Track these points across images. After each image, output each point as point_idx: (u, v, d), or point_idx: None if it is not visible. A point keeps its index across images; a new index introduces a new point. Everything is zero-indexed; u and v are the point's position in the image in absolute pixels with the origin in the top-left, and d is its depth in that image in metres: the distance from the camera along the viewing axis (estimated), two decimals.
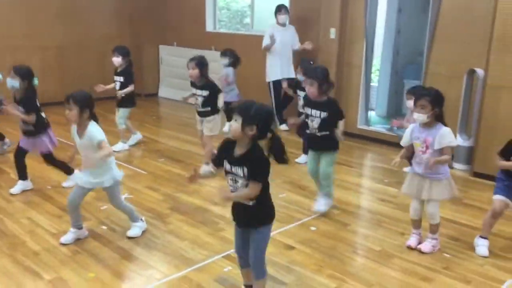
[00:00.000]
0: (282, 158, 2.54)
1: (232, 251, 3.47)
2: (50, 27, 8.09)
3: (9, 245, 3.55)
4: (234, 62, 6.55)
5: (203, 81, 4.95)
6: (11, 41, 7.66)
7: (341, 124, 4.01)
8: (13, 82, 4.30)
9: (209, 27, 8.59)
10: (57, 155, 4.68)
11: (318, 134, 4.01)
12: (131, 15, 8.95)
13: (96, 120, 3.50)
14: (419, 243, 3.63)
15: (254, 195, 2.52)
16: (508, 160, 3.44)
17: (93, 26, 8.53)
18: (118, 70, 5.86)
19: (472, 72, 5.37)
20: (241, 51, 7.95)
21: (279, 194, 4.43)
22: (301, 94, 5.41)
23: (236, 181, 2.56)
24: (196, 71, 4.88)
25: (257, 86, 7.77)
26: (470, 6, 5.41)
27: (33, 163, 4.76)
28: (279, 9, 6.82)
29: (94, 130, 3.43)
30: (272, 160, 2.55)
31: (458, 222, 4.12)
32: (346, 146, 6.32)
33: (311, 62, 5.77)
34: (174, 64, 9.02)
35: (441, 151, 3.33)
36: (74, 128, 3.51)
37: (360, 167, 5.80)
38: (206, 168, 2.73)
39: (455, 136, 5.41)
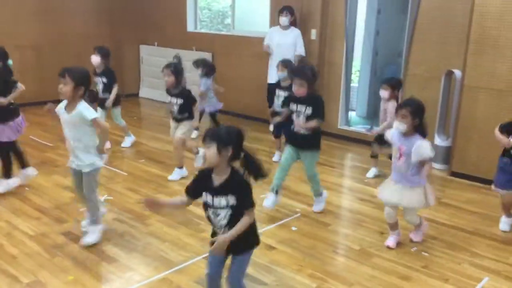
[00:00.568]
0: (260, 174, 2.46)
1: None
2: (28, 26, 7.95)
3: None
4: (208, 71, 6.37)
5: (179, 89, 4.86)
6: None
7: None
8: None
9: (190, 27, 8.55)
10: (32, 154, 4.60)
11: (301, 133, 4.00)
12: (111, 14, 8.86)
13: (96, 99, 3.38)
14: (398, 242, 3.69)
15: (248, 225, 2.42)
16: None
17: (71, 25, 8.40)
18: (98, 71, 5.80)
19: (450, 73, 5.45)
20: (222, 51, 7.99)
21: (260, 195, 4.44)
22: (280, 94, 5.42)
23: (217, 215, 2.44)
24: (172, 78, 4.79)
25: (238, 87, 7.79)
26: (448, 7, 5.50)
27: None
28: (281, 10, 6.38)
29: (85, 106, 3.29)
30: None
31: (436, 221, 4.17)
32: (327, 147, 6.37)
33: (292, 62, 5.77)
34: (155, 64, 8.94)
35: (419, 163, 3.36)
36: (62, 104, 3.36)
37: (341, 167, 5.85)
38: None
39: (433, 136, 5.52)
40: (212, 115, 6.53)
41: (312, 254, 3.55)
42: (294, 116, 4.04)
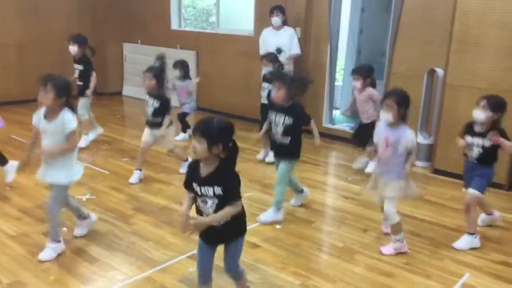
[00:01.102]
0: (234, 164, 2.49)
1: (197, 251, 3.45)
2: (10, 24, 7.84)
3: None
4: (186, 73, 6.31)
5: (159, 92, 4.80)
6: None
7: (313, 127, 4.03)
8: None
9: (174, 25, 8.50)
10: (14, 153, 4.54)
11: (281, 140, 3.96)
12: (94, 12, 8.77)
13: (72, 109, 3.22)
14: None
15: (230, 215, 2.45)
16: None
17: (53, 23, 8.29)
18: (77, 58, 5.76)
19: (432, 72, 5.50)
20: (207, 50, 7.96)
21: (244, 193, 4.41)
22: (265, 85, 5.42)
23: (206, 202, 2.48)
24: (153, 82, 4.74)
25: (222, 85, 7.77)
26: (431, 6, 5.55)
27: None
28: (271, 10, 6.23)
29: (70, 117, 3.17)
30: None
31: (419, 218, 4.21)
32: (312, 145, 6.37)
33: (278, 52, 5.73)
34: (138, 62, 8.87)
35: (406, 154, 3.37)
36: (40, 112, 3.22)
37: (325, 165, 5.87)
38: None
39: (416, 134, 5.57)
40: (184, 116, 6.45)
41: (296, 252, 3.56)
42: (272, 127, 4.00)
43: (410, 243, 3.74)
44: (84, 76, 5.73)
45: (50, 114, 3.19)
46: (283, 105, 3.88)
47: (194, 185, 2.51)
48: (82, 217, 3.63)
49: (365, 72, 4.90)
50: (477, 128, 3.66)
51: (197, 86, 6.82)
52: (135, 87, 9.11)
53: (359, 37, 7.52)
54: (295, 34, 6.32)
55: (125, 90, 9.32)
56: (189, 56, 7.66)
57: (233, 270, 2.73)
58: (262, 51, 6.37)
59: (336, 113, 7.44)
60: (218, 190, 2.44)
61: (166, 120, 4.79)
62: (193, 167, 2.54)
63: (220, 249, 2.67)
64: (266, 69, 5.47)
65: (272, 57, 5.49)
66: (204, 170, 2.48)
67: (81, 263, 3.31)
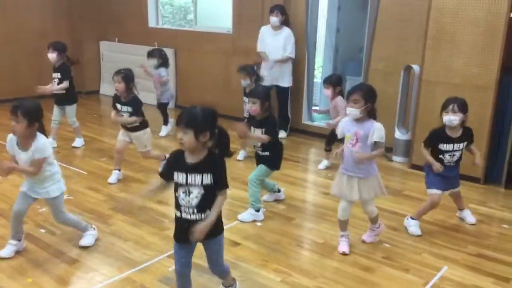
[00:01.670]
0: (227, 152, 2.55)
1: None
2: None
3: None
4: (164, 62, 6.30)
5: (128, 97, 4.71)
6: None
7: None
8: None
9: (152, 23, 8.42)
10: None
11: (261, 153, 4.04)
12: (70, 9, 8.62)
13: (43, 132, 3.22)
14: (350, 245, 3.60)
15: (223, 204, 2.50)
16: (434, 148, 3.78)
17: (27, 20, 8.13)
18: (56, 66, 5.66)
19: (408, 68, 5.57)
20: (185, 47, 7.91)
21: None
22: (245, 100, 5.42)
23: (189, 193, 2.45)
24: (122, 85, 4.66)
25: (201, 83, 7.74)
26: (406, 3, 5.62)
27: None
28: (271, 10, 6.15)
29: (42, 144, 3.14)
30: None
31: (397, 213, 4.26)
32: (291, 142, 6.42)
33: (255, 67, 5.69)
34: (115, 60, 8.76)
35: (373, 147, 3.33)
36: (12, 139, 3.19)
37: (305, 162, 5.89)
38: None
39: (394, 129, 5.64)
40: (164, 106, 6.46)
41: (276, 249, 3.57)
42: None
43: (389, 237, 3.79)
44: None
45: (23, 143, 3.16)
46: (259, 117, 3.98)
47: (178, 174, 2.47)
48: (19, 236, 3.42)
49: (334, 81, 4.97)
50: (453, 134, 3.73)
51: (176, 83, 6.78)
52: (113, 86, 8.93)
53: (336, 35, 7.57)
54: (292, 36, 6.25)
55: (103, 89, 9.20)
56: (167, 54, 7.57)
57: (220, 268, 2.74)
58: (259, 49, 6.37)
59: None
60: (207, 178, 2.42)
61: (136, 118, 4.68)
62: (176, 156, 2.51)
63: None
64: (244, 82, 5.45)
65: (248, 71, 5.45)
66: (192, 158, 2.46)
67: (59, 265, 3.26)
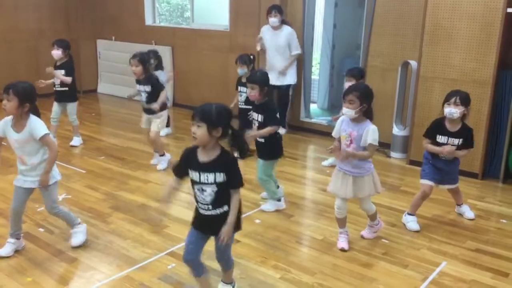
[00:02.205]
0: (245, 151, 2.59)
1: (176, 247, 3.45)
2: None
3: None
4: (159, 63, 6.22)
5: (146, 76, 4.90)
6: None
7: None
8: None
9: (149, 21, 8.41)
10: None
11: (258, 139, 4.03)
12: (66, 8, 8.60)
13: (37, 114, 3.23)
14: (349, 241, 3.61)
15: (238, 201, 2.55)
16: (433, 140, 3.78)
17: (24, 20, 8.11)
18: (58, 64, 5.64)
19: (406, 64, 5.57)
20: (182, 45, 7.90)
21: None
22: (242, 89, 5.42)
23: (203, 191, 2.49)
24: (139, 68, 4.84)
25: (198, 81, 7.73)
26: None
27: None
28: (269, 11, 6.12)
29: (37, 123, 3.18)
30: None
31: (396, 208, 4.27)
32: (289, 139, 6.42)
33: (252, 56, 5.73)
34: (113, 59, 8.77)
35: (364, 148, 3.32)
36: (6, 121, 3.22)
37: (303, 159, 5.90)
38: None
39: (392, 125, 5.64)
40: (164, 106, 6.43)
41: (275, 246, 3.57)
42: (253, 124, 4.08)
43: (388, 233, 3.80)
44: (66, 82, 5.62)
45: (17, 124, 3.19)
46: (258, 102, 4.00)
47: (191, 172, 2.51)
48: (17, 234, 3.42)
49: (357, 74, 4.79)
50: (451, 128, 3.74)
51: (174, 81, 6.74)
52: (110, 84, 9.00)
53: (333, 31, 7.57)
54: (294, 33, 6.23)
55: (100, 88, 9.19)
56: (165, 52, 7.58)
57: (226, 259, 2.76)
58: (258, 47, 6.36)
59: (313, 106, 7.50)
60: (220, 176, 2.45)
61: (162, 95, 4.91)
62: (189, 153, 2.54)
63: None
64: (241, 70, 5.48)
65: (245, 59, 5.49)
66: (204, 156, 2.49)
67: (59, 264, 3.27)
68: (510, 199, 4.57)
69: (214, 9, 8.32)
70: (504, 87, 4.87)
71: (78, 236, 3.50)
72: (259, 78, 3.96)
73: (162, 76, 6.16)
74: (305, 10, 6.47)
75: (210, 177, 2.46)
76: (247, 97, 4.50)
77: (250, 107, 4.29)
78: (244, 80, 5.38)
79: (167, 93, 5.27)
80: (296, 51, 6.29)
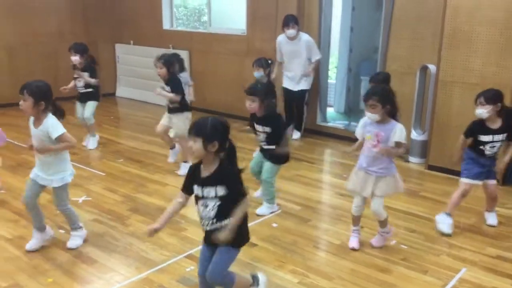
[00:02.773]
0: (235, 165, 2.54)
1: (194, 250, 3.47)
2: None
3: None
4: (182, 66, 6.04)
5: (170, 77, 4.94)
6: None
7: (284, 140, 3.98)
8: None
9: (166, 25, 8.48)
10: (8, 156, 4.51)
11: (266, 147, 4.03)
12: (85, 12, 8.72)
13: (61, 114, 3.29)
14: (360, 241, 3.64)
15: (245, 210, 2.52)
16: (473, 140, 3.84)
17: (44, 24, 8.25)
18: (80, 67, 5.72)
19: (425, 68, 5.54)
20: (199, 49, 7.95)
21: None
22: None
23: (206, 206, 2.52)
24: (164, 70, 4.89)
25: (215, 85, 7.77)
26: (422, 2, 5.58)
27: None
28: (286, 23, 6.10)
29: (53, 123, 3.23)
30: None
31: (414, 214, 4.24)
32: (306, 143, 6.42)
33: (269, 61, 5.73)
34: (131, 63, 8.87)
35: (395, 146, 3.34)
36: (31, 118, 3.30)
37: (320, 163, 5.88)
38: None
39: (410, 130, 5.60)
40: None
41: (293, 250, 3.57)
42: (256, 135, 4.07)
43: (407, 239, 3.77)
44: (89, 85, 5.72)
45: (36, 123, 3.27)
46: (261, 114, 3.96)
47: (195, 187, 2.53)
48: (41, 226, 3.50)
49: (381, 79, 4.78)
50: (491, 125, 3.76)
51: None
52: (128, 88, 9.09)
53: (350, 35, 7.55)
54: (312, 40, 6.24)
55: (119, 91, 9.29)
56: (182, 56, 7.61)
57: (214, 279, 2.60)
58: (279, 58, 6.40)
59: (329, 110, 7.48)
60: (221, 190, 2.46)
61: (173, 95, 4.90)
62: (194, 169, 2.57)
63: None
64: (257, 73, 5.52)
65: (262, 62, 5.52)
66: (205, 170, 2.51)
67: (79, 265, 3.31)
68: None
69: (231, 13, 8.36)
70: None
71: (76, 239, 3.53)
72: (259, 91, 3.91)
73: (186, 76, 6.19)
74: (321, 13, 6.47)
75: (211, 191, 2.48)
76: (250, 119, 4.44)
77: None
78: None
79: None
80: (317, 56, 6.30)
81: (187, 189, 2.60)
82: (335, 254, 3.53)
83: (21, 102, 3.19)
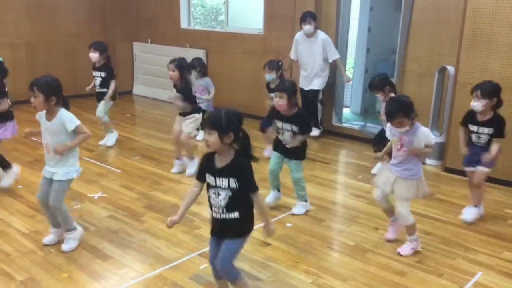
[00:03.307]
0: (250, 155, 2.58)
1: (207, 248, 3.46)
2: (18, 24, 7.89)
3: None
4: (204, 71, 6.20)
5: (181, 82, 4.91)
6: None
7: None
8: None
9: (184, 24, 8.52)
10: (25, 152, 4.57)
11: (288, 146, 4.01)
12: (103, 11, 8.81)
13: (66, 106, 3.32)
14: (397, 232, 3.69)
15: (264, 203, 2.61)
16: (466, 127, 4.01)
17: (63, 22, 8.34)
18: (97, 65, 5.78)
19: (443, 70, 5.47)
20: (216, 48, 7.97)
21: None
22: (271, 95, 5.42)
23: (218, 194, 2.55)
24: (175, 73, 4.87)
25: (232, 84, 7.78)
26: (441, 3, 5.51)
27: None
28: (304, 18, 6.08)
29: (68, 115, 3.25)
30: None
31: (430, 216, 4.19)
32: (321, 143, 6.40)
33: (280, 63, 5.69)
34: (148, 61, 8.93)
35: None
36: (41, 113, 3.32)
37: (335, 163, 5.86)
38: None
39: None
40: (204, 112, 6.46)
41: (307, 250, 3.56)
42: (279, 134, 4.06)
43: (422, 241, 3.72)
44: (106, 84, 5.74)
45: (48, 115, 3.29)
46: (288, 113, 3.95)
47: (208, 176, 2.57)
48: (57, 225, 3.51)
49: (378, 84, 4.76)
50: (480, 117, 3.86)
51: None
52: (145, 86, 9.15)
53: (367, 35, 7.50)
54: (329, 39, 6.19)
55: (136, 89, 9.36)
56: (199, 55, 7.65)
57: (223, 269, 2.64)
58: (293, 55, 6.40)
59: (345, 111, 7.44)
60: (233, 182, 2.50)
61: (183, 104, 4.86)
62: (208, 158, 2.60)
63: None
64: (269, 76, 5.49)
65: (274, 66, 5.49)
66: (220, 162, 2.54)
67: (94, 261, 3.34)
68: None
69: (248, 13, 8.36)
70: None
71: (70, 242, 3.45)
72: (288, 87, 3.92)
73: (209, 82, 6.18)
74: (339, 14, 6.43)
75: (224, 182, 2.51)
76: (268, 114, 4.41)
77: None
78: (272, 86, 5.41)
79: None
80: (335, 56, 6.24)
81: (201, 177, 2.65)
82: (349, 255, 3.51)
83: (32, 99, 3.22)
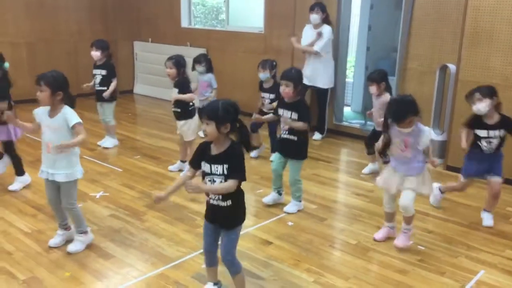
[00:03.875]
0: (249, 145, 2.67)
1: None
2: (19, 23, 7.89)
3: None
4: (210, 66, 6.15)
5: (178, 80, 4.87)
6: None
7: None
8: None
9: (184, 23, 8.52)
10: (27, 151, 4.57)
11: (287, 136, 4.01)
12: (104, 10, 8.81)
13: (72, 102, 3.29)
14: (387, 236, 3.68)
15: (230, 190, 2.58)
16: (471, 134, 3.92)
17: (64, 21, 8.34)
18: (98, 63, 5.76)
19: (444, 68, 5.47)
20: (217, 47, 7.97)
21: (256, 190, 4.44)
22: (264, 95, 5.42)
23: (213, 181, 2.61)
24: (173, 71, 4.84)
25: (232, 83, 7.77)
26: (443, 1, 5.50)
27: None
28: (312, 7, 6.01)
29: (71, 111, 3.24)
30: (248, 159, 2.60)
31: (432, 215, 4.19)
32: (323, 142, 6.39)
33: (274, 62, 5.65)
34: (149, 60, 8.92)
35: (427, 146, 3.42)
36: (46, 108, 3.28)
37: (336, 162, 5.85)
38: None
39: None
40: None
41: (308, 249, 3.56)
42: (280, 123, 4.06)
43: (424, 240, 3.73)
44: (106, 82, 5.71)
45: (52, 114, 3.27)
46: (290, 100, 3.98)
47: (204, 164, 2.64)
48: (64, 225, 3.53)
49: (377, 77, 4.77)
50: (488, 120, 3.80)
51: None
52: (146, 85, 9.15)
53: (368, 33, 7.49)
54: (328, 33, 6.08)
55: (137, 88, 9.36)
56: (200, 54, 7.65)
57: (227, 260, 2.75)
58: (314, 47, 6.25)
59: (347, 110, 7.43)
60: (226, 169, 2.57)
61: (185, 96, 4.84)
62: (204, 147, 2.68)
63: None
64: (263, 75, 5.41)
65: (268, 65, 5.42)
66: (215, 149, 2.62)
67: (96, 259, 3.34)
68: None
69: (249, 12, 8.36)
70: None
71: (77, 244, 3.44)
72: (294, 75, 3.94)
73: (213, 79, 6.14)
74: (340, 12, 6.42)
75: (219, 168, 2.58)
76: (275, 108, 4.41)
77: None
78: (265, 85, 5.40)
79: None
80: (317, 48, 6.09)
81: (195, 164, 2.71)
82: (351, 254, 3.51)
83: (38, 93, 3.19)
